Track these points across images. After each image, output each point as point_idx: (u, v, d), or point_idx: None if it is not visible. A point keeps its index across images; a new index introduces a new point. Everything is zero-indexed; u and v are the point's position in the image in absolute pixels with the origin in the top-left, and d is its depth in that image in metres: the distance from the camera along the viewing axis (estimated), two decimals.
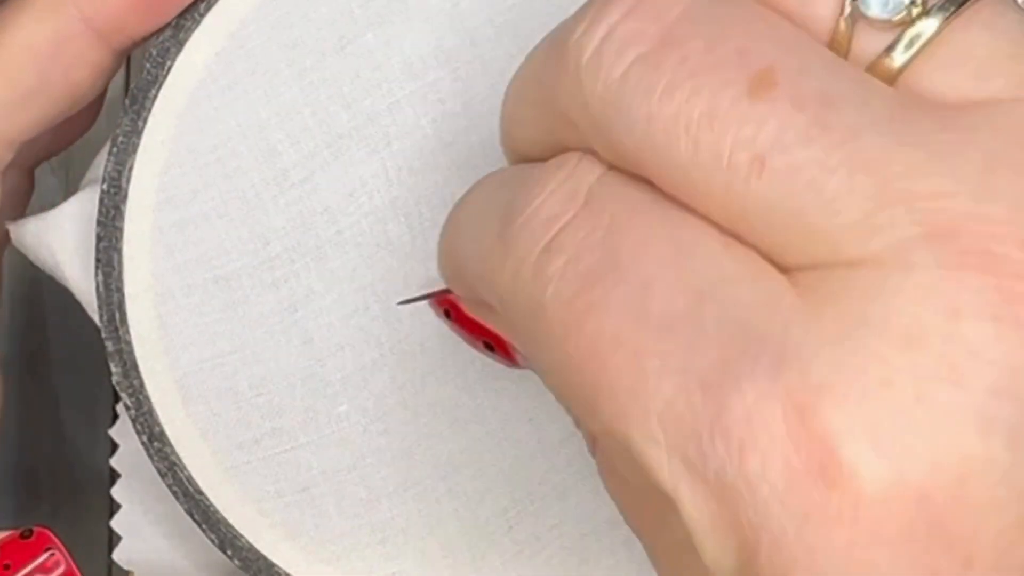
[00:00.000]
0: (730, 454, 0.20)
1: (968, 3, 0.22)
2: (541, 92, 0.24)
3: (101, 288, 0.32)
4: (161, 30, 0.32)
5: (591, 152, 0.23)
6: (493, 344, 0.28)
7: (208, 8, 0.32)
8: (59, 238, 0.35)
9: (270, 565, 0.33)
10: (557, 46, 0.23)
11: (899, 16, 0.22)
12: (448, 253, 0.27)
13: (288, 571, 0.33)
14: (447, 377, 0.33)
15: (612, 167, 0.23)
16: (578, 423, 0.24)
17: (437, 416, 0.33)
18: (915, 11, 0.22)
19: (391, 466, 0.33)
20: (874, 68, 0.22)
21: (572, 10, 0.32)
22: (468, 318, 0.28)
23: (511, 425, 0.33)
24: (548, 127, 0.25)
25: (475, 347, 0.29)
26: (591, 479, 0.33)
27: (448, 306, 0.29)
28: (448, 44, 0.32)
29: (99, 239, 0.32)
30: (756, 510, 0.20)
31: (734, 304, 0.21)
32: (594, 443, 0.24)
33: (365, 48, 0.32)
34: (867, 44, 0.23)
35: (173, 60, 0.32)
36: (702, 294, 0.21)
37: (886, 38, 0.22)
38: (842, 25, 0.23)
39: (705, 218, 0.22)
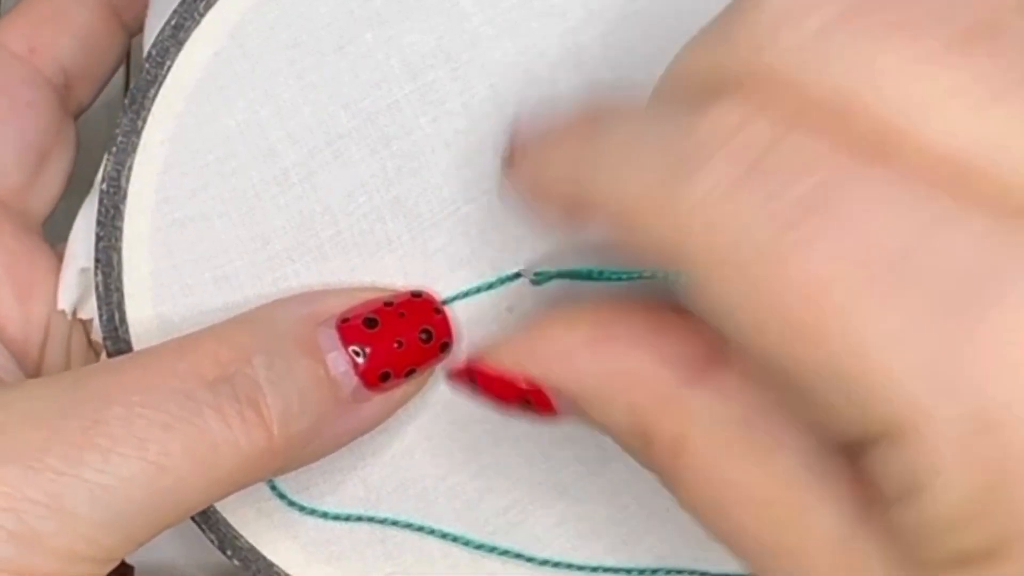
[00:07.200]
0: (983, 382, 0.20)
1: None
2: (722, 39, 0.24)
3: (100, 288, 0.32)
4: (161, 30, 0.32)
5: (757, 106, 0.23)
6: (532, 398, 0.28)
7: (207, 8, 0.32)
8: None
9: (269, 565, 0.33)
10: None
11: None
12: (547, 169, 0.27)
13: (287, 571, 0.33)
14: None
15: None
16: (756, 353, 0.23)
17: (437, 416, 0.33)
18: None
19: (391, 466, 0.33)
20: None
21: (570, 10, 0.32)
22: (496, 379, 0.28)
23: (511, 425, 0.33)
24: (717, 70, 0.24)
25: (506, 409, 0.28)
26: (591, 478, 0.33)
27: (473, 374, 0.28)
28: (447, 44, 0.32)
29: (98, 239, 0.32)
30: (1014, 438, 0.20)
31: (957, 243, 0.21)
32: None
33: (364, 48, 0.32)
34: None
35: (173, 60, 0.32)
36: (920, 234, 0.21)
37: None
38: None
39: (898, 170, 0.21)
